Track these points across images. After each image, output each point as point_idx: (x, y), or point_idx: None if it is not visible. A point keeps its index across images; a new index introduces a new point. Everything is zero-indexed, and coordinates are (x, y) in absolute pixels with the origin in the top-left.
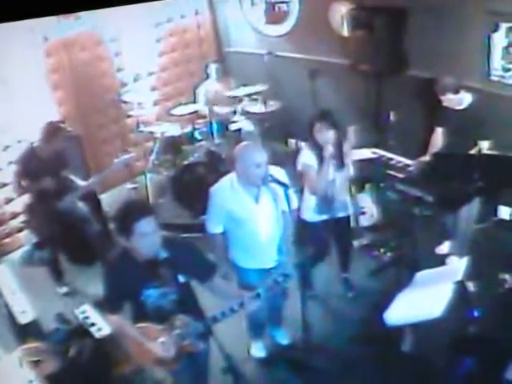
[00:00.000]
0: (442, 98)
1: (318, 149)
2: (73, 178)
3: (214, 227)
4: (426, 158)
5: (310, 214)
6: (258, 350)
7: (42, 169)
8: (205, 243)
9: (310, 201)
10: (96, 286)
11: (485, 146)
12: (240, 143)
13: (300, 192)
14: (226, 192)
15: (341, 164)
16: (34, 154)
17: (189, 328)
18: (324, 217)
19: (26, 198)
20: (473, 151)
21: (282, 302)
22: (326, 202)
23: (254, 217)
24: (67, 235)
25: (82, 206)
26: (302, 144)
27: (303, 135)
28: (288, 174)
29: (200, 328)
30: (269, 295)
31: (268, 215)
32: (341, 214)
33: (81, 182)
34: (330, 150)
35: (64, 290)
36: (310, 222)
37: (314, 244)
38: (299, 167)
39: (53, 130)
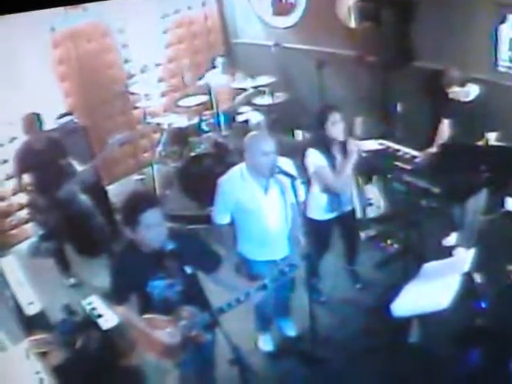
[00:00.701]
0: (449, 90)
1: (329, 145)
2: (73, 163)
3: (221, 218)
4: (433, 149)
5: (320, 213)
6: (266, 343)
7: (38, 161)
8: (211, 234)
9: (320, 199)
10: (102, 278)
11: (492, 137)
12: (247, 134)
13: (307, 185)
14: (236, 182)
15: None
16: (28, 148)
17: (195, 319)
18: (334, 214)
19: (28, 192)
20: (480, 143)
21: (289, 293)
22: (336, 198)
23: (263, 208)
24: (71, 226)
25: (83, 195)
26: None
27: (310, 127)
28: (295, 165)
29: (206, 319)
30: (276, 286)
31: (276, 206)
32: (348, 208)
33: (79, 167)
34: (355, 143)
35: (71, 281)
36: (318, 221)
37: (323, 241)
38: (311, 169)
39: (28, 123)
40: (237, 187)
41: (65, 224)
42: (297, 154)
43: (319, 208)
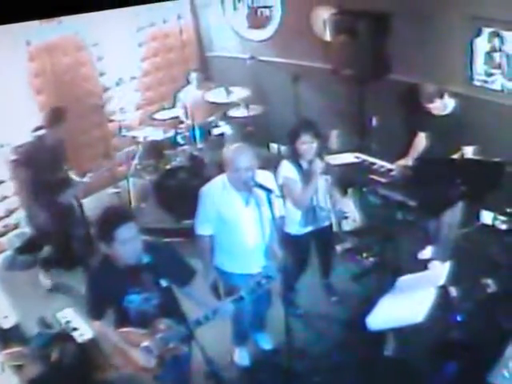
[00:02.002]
0: (430, 105)
1: (300, 161)
2: (71, 173)
3: (203, 228)
4: (408, 161)
5: (295, 228)
6: (242, 358)
7: (46, 158)
8: (187, 248)
9: (295, 214)
10: (77, 291)
11: (469, 151)
12: (227, 147)
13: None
14: (217, 192)
15: (323, 172)
16: (40, 143)
17: (172, 332)
18: (309, 228)
19: (28, 189)
20: (455, 156)
21: (265, 306)
22: (311, 213)
23: (243, 220)
24: (60, 233)
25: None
26: (283, 161)
27: (285, 140)
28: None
29: (183, 332)
30: (252, 298)
31: (255, 219)
32: (325, 223)
33: (78, 179)
34: (319, 164)
35: (48, 284)
36: (294, 235)
37: (299, 256)
38: (280, 181)
39: (56, 115)
40: (218, 197)
41: (52, 230)
42: (271, 166)
43: (294, 223)
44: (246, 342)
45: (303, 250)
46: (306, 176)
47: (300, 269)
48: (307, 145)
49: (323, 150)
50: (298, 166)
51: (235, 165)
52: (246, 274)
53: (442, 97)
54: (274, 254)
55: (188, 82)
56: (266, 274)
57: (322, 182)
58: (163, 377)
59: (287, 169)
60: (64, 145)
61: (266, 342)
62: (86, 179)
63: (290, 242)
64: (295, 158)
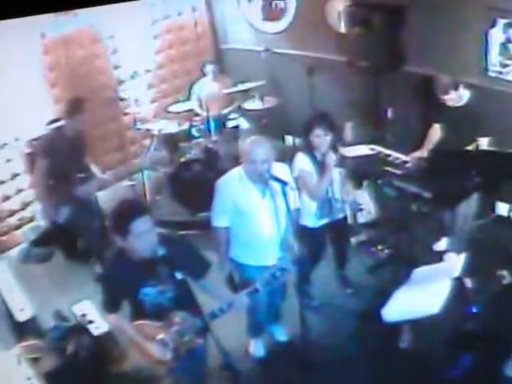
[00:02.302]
0: (441, 97)
1: (315, 153)
2: (93, 167)
3: (220, 220)
4: (423, 153)
5: (311, 220)
6: (257, 349)
7: (67, 150)
8: (202, 240)
9: (310, 206)
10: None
11: (484, 142)
12: (245, 139)
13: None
14: (234, 184)
15: (337, 164)
16: (59, 135)
17: (187, 324)
18: (324, 220)
19: (47, 181)
20: (470, 147)
21: (280, 298)
22: (326, 205)
23: (259, 212)
24: (72, 227)
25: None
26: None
27: (299, 133)
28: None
29: (198, 324)
30: (267, 290)
31: (271, 212)
32: (340, 215)
33: (99, 174)
34: (332, 157)
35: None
36: (310, 228)
37: (315, 248)
38: (296, 173)
39: (75, 105)
40: (234, 189)
41: (68, 223)
42: (286, 158)
43: (309, 215)
44: (261, 334)
45: (318, 242)
46: (321, 168)
47: (315, 261)
48: (321, 138)
49: (337, 143)
50: (313, 159)
51: (251, 157)
52: (262, 265)
53: (456, 88)
54: (289, 246)
55: (203, 74)
56: (280, 267)
57: (336, 174)
58: (178, 369)
59: (302, 161)
60: (83, 137)
61: (281, 334)
62: (105, 176)
63: (305, 234)
64: (309, 150)
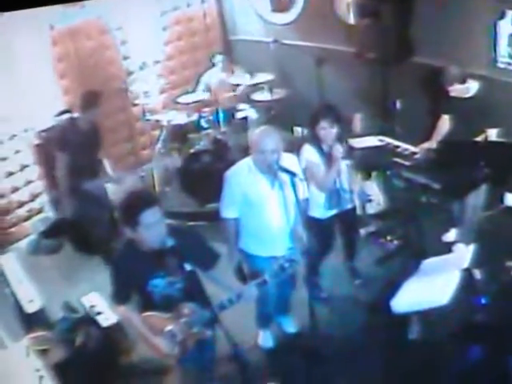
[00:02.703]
0: (450, 88)
1: (321, 145)
2: (105, 162)
3: (229, 211)
4: (433, 144)
5: (320, 211)
6: (266, 340)
7: (80, 142)
8: (211, 231)
9: (319, 197)
10: (102, 276)
11: (493, 133)
12: (247, 131)
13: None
14: (243, 175)
15: (345, 156)
16: (74, 125)
17: (196, 316)
18: (333, 211)
19: (56, 172)
20: (479, 138)
21: (289, 289)
22: (335, 196)
23: (268, 202)
24: (81, 219)
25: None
26: (305, 145)
27: (306, 124)
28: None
29: (207, 315)
30: (276, 281)
31: (281, 202)
32: (349, 206)
33: (111, 171)
34: (339, 149)
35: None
36: (319, 219)
37: (324, 239)
38: (303, 164)
39: (93, 97)
40: (244, 179)
41: (77, 216)
42: (295, 149)
43: (318, 206)
44: (269, 325)
45: (328, 233)
46: (328, 160)
47: (324, 252)
48: (326, 130)
49: (344, 135)
50: (320, 150)
51: (261, 147)
52: (271, 256)
53: (465, 79)
54: (298, 237)
55: (213, 65)
56: (289, 258)
57: (343, 166)
58: (187, 361)
59: (309, 152)
60: (98, 130)
61: (290, 326)
62: (115, 175)
63: (314, 225)
64: (316, 142)
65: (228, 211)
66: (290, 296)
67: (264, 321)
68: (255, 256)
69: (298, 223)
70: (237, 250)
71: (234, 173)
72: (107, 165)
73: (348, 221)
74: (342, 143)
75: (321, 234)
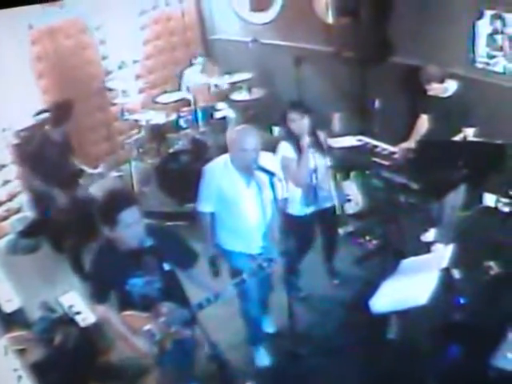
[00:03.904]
0: (427, 87)
1: (295, 139)
2: (82, 166)
3: (205, 205)
4: (411, 144)
5: (297, 208)
6: (262, 358)
7: (56, 153)
8: (189, 231)
9: (296, 194)
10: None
11: (470, 133)
12: (225, 131)
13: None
14: (219, 169)
15: (321, 152)
16: (47, 138)
17: (174, 315)
18: (311, 209)
19: (35, 185)
20: (458, 138)
21: (267, 289)
22: (311, 192)
23: (244, 200)
24: (63, 218)
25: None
26: (281, 142)
27: (278, 122)
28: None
29: (185, 315)
30: (254, 280)
31: (256, 201)
32: (327, 205)
33: (91, 170)
34: (306, 139)
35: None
36: (298, 216)
37: (302, 238)
38: (279, 160)
39: (65, 112)
40: (219, 174)
41: (55, 214)
42: (274, 149)
43: (295, 202)
44: (262, 342)
45: (306, 231)
46: (300, 153)
47: (303, 251)
48: (297, 122)
49: (316, 127)
50: (295, 146)
51: (240, 146)
52: (247, 253)
53: (444, 79)
54: (274, 237)
55: (191, 65)
56: (268, 257)
57: (321, 163)
58: (166, 360)
59: (285, 148)
60: (70, 140)
61: (269, 326)
62: (98, 170)
63: (292, 222)
64: (291, 137)
65: (204, 205)
66: (268, 296)
67: (255, 337)
68: (230, 251)
69: (275, 223)
70: (212, 244)
71: (211, 167)
72: (84, 166)
73: (327, 220)
74: (314, 135)
75: (299, 232)
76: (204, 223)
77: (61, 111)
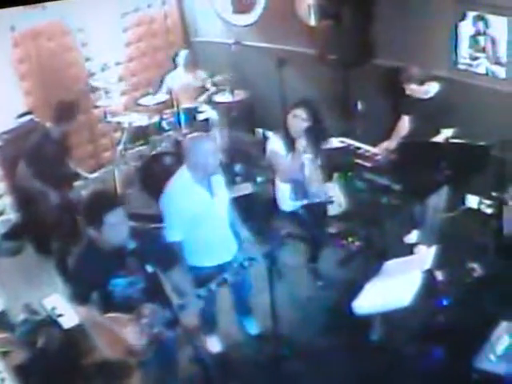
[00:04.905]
0: (406, 86)
1: (289, 138)
2: (78, 170)
3: (175, 234)
4: (391, 144)
5: (287, 203)
6: (214, 345)
7: (55, 154)
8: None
9: (284, 189)
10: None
11: (448, 133)
12: (208, 132)
13: (271, 183)
14: (181, 192)
15: (315, 152)
16: (48, 137)
17: (156, 316)
18: (297, 204)
19: (29, 183)
20: (440, 139)
21: (247, 290)
22: (299, 187)
23: (212, 211)
24: (45, 220)
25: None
26: (270, 133)
27: (270, 124)
28: (255, 163)
29: (168, 316)
30: (235, 280)
31: (223, 205)
32: (317, 200)
33: (87, 175)
34: (303, 143)
35: None
36: (290, 212)
37: (297, 233)
38: (267, 154)
39: (67, 109)
40: (181, 198)
41: (38, 217)
42: (256, 151)
43: (284, 198)
44: (215, 330)
45: (300, 226)
46: (292, 151)
47: (316, 242)
48: (297, 119)
49: (313, 133)
50: (285, 140)
51: (200, 152)
52: (217, 265)
53: (425, 80)
54: (243, 237)
55: (175, 66)
56: (249, 256)
57: (307, 160)
58: (149, 362)
59: (274, 142)
60: (68, 140)
61: (252, 327)
62: (96, 175)
63: (286, 218)
64: (283, 130)
65: (174, 234)
66: (249, 296)
67: (209, 324)
68: (200, 267)
69: (236, 221)
70: (186, 267)
71: (172, 195)
72: (81, 172)
73: (316, 215)
74: (311, 141)
75: (294, 227)
76: (177, 250)
77: (65, 108)
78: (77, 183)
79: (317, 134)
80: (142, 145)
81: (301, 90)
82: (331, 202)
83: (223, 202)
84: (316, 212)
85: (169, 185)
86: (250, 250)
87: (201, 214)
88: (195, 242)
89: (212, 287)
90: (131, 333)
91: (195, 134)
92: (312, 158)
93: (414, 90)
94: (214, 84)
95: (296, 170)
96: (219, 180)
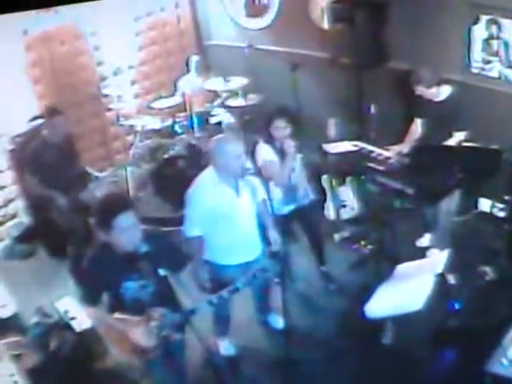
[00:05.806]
0: (426, 92)
1: (275, 143)
2: (89, 169)
3: (194, 230)
4: (404, 147)
5: (278, 207)
6: (226, 349)
7: (56, 157)
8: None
9: (276, 193)
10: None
11: (461, 137)
12: (215, 137)
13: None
14: (207, 190)
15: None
16: (45, 143)
17: (166, 320)
18: (291, 207)
19: (37, 190)
20: (453, 143)
21: (266, 291)
22: (290, 191)
23: (236, 211)
24: (58, 223)
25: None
26: (260, 143)
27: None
28: None
29: (177, 320)
30: (250, 288)
31: (248, 207)
32: (305, 201)
33: (98, 174)
34: (291, 144)
35: None
36: (280, 215)
37: (284, 237)
38: (259, 163)
39: (51, 112)
40: (208, 194)
41: (51, 221)
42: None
43: (277, 202)
44: (228, 333)
45: (289, 230)
46: (282, 155)
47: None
48: (279, 130)
49: (297, 132)
50: (274, 147)
51: (226, 154)
52: (242, 263)
53: (438, 83)
54: (268, 239)
55: (188, 70)
56: (262, 267)
57: (296, 161)
58: (158, 364)
59: (265, 151)
60: (72, 142)
61: (276, 322)
62: (104, 173)
63: (276, 222)
64: (270, 140)
65: (193, 230)
66: (268, 296)
67: (222, 327)
68: (225, 265)
69: (268, 224)
70: (202, 264)
71: (197, 190)
72: (92, 171)
73: (308, 217)
74: (293, 139)
75: (283, 231)
76: (193, 246)
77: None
78: (89, 185)
79: (301, 133)
80: (154, 148)
81: (314, 93)
82: (344, 206)
83: (249, 203)
84: (305, 213)
85: (196, 180)
86: (265, 261)
87: (224, 213)
88: (217, 238)
89: (224, 295)
90: (140, 334)
91: (219, 136)
92: (301, 157)
93: (426, 93)
94: (227, 89)
95: (289, 173)
96: (252, 183)
